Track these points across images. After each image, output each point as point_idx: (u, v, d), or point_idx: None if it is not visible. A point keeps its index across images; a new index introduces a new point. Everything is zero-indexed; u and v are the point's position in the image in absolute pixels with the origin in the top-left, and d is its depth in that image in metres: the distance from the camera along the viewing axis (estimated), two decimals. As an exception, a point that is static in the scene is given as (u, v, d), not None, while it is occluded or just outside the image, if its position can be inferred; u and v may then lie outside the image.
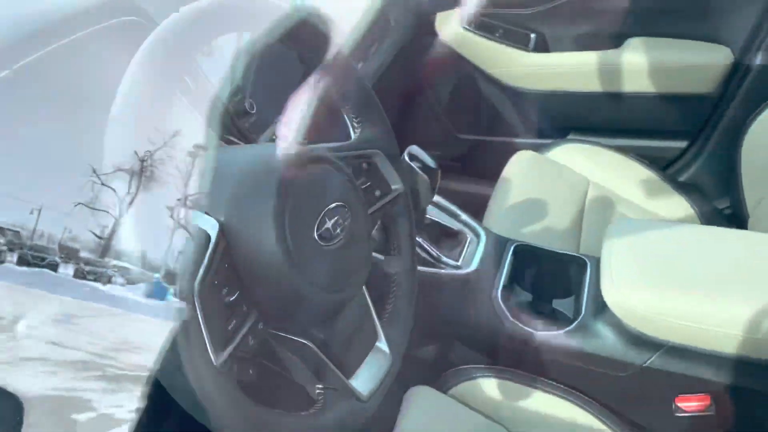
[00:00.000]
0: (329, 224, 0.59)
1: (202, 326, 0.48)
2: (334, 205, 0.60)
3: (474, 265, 1.11)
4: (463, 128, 2.05)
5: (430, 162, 1.04)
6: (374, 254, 0.99)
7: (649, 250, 1.02)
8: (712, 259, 1.00)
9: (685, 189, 1.70)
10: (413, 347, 1.14)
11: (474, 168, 2.00)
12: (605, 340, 1.00)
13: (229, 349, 0.50)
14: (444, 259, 1.10)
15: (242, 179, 0.56)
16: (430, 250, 1.11)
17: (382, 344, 0.70)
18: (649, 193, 1.68)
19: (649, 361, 0.97)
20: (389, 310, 0.75)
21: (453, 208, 1.22)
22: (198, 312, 0.47)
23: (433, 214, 1.20)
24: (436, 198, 1.23)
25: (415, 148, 1.04)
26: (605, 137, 1.90)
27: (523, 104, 1.94)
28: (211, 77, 1.05)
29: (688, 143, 1.85)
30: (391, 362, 0.70)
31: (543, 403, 1.00)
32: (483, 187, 1.67)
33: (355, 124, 0.76)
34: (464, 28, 1.86)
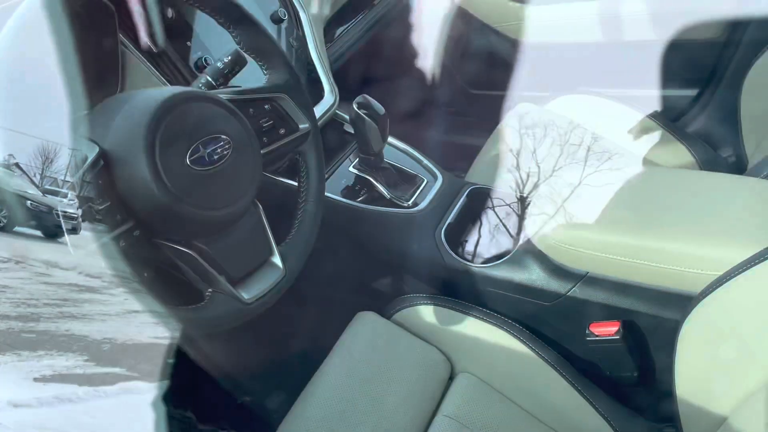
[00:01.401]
0: (204, 152, 0.71)
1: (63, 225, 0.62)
2: (209, 136, 0.72)
3: (423, 205, 1.20)
4: (475, 84, 2.09)
5: (379, 109, 1.13)
6: (289, 182, 1.11)
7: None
8: (628, 195, 1.04)
9: (689, 138, 1.68)
10: (368, 279, 1.26)
11: (486, 122, 2.05)
12: (532, 272, 1.07)
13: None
14: (394, 199, 1.20)
15: (126, 113, 0.69)
16: (382, 190, 1.21)
17: (275, 259, 0.82)
18: (649, 142, 1.69)
19: (571, 291, 1.04)
20: (292, 232, 0.87)
21: (415, 152, 1.31)
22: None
23: (396, 158, 1.30)
24: (401, 144, 1.33)
25: (364, 97, 1.14)
26: (614, 89, 1.90)
27: (530, 58, 1.96)
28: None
29: (697, 92, 1.81)
30: (282, 276, 0.82)
31: (474, 328, 1.09)
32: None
33: (264, 71, 0.88)
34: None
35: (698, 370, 0.90)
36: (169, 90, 0.72)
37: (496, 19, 1.94)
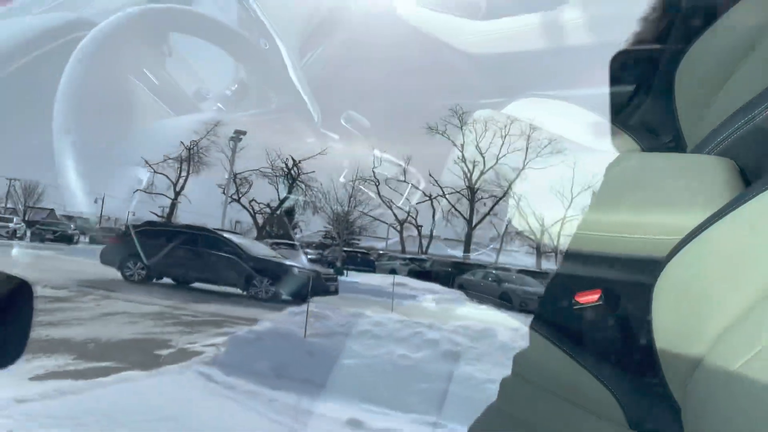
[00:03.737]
0: None
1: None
2: None
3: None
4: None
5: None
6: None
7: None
8: (592, 179, 1.19)
9: (632, 128, 1.86)
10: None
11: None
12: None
13: None
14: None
15: None
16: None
17: None
18: (599, 135, 1.86)
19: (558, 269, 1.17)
20: None
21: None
22: None
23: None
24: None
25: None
26: (562, 90, 2.07)
27: (482, 67, 2.12)
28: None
29: (636, 86, 2.00)
30: None
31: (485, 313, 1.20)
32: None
33: None
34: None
35: (673, 322, 1.04)
36: None
37: (447, 33, 2.09)
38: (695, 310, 1.00)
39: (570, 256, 1.14)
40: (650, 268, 1.06)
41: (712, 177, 1.11)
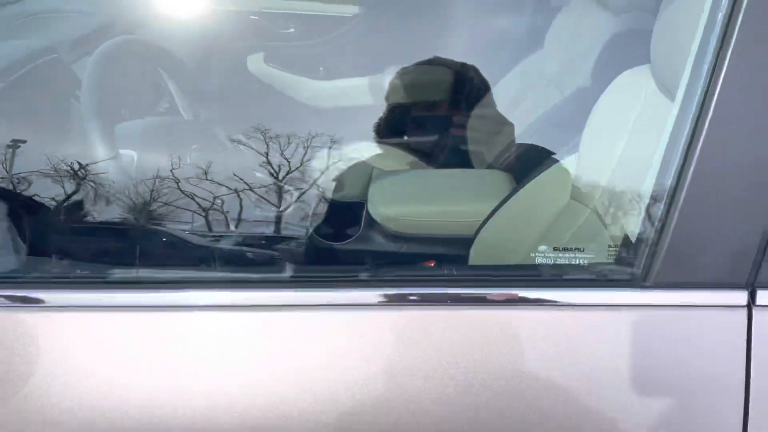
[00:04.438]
0: None
1: None
2: None
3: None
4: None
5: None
6: None
7: (392, 185, 1.74)
8: (427, 183, 1.74)
9: (437, 163, 2.47)
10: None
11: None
12: (375, 241, 1.68)
13: None
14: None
15: None
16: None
17: None
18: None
19: (403, 248, 1.66)
20: None
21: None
22: None
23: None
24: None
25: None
26: (396, 137, 2.64)
27: (320, 118, 2.63)
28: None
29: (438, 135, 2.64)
30: None
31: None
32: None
33: None
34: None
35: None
36: None
37: (294, 92, 2.57)
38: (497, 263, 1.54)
39: (414, 238, 1.65)
40: (467, 242, 1.60)
41: (498, 181, 1.72)
